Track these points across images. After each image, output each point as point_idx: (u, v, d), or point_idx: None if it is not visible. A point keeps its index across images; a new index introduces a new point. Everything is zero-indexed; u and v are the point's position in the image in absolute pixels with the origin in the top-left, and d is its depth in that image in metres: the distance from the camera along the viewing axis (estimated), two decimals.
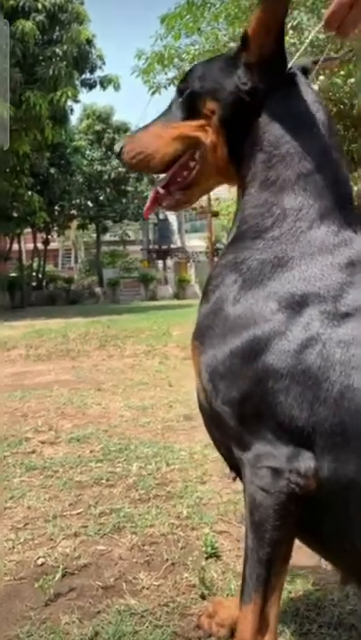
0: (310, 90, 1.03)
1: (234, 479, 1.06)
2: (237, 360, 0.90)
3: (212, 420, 1.01)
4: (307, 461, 0.85)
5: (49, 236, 23.51)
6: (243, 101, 1.00)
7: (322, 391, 0.83)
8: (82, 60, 14.72)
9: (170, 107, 1.13)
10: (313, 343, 0.85)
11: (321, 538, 0.95)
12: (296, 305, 0.88)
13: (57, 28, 13.83)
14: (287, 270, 0.91)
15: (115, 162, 23.34)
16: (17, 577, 1.53)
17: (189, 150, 1.08)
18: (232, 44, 6.59)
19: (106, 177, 23.70)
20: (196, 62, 1.20)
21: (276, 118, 0.99)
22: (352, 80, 6.93)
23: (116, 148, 1.15)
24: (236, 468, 1.01)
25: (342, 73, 6.77)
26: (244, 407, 0.89)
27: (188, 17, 7.96)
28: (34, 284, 22.58)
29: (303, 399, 0.84)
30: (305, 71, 1.06)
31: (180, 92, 1.10)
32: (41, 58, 13.43)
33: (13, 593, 1.46)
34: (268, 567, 0.89)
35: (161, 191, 1.14)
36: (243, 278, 0.95)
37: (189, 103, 1.07)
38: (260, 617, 0.90)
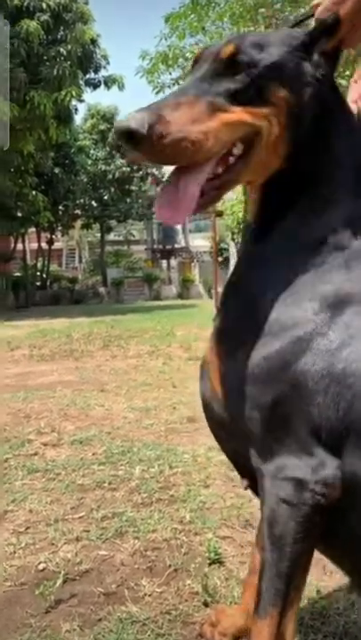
0: None
1: (246, 488, 1.03)
2: (276, 362, 0.86)
3: (226, 427, 0.98)
4: (333, 470, 0.82)
5: (53, 236, 23.50)
6: (316, 93, 0.91)
7: None
8: (86, 59, 14.69)
9: (204, 79, 0.88)
10: (353, 341, 0.84)
11: (337, 543, 0.92)
12: (339, 304, 0.87)
13: (61, 27, 13.81)
14: (332, 272, 0.90)
15: (119, 161, 23.34)
16: (17, 582, 1.52)
17: (239, 142, 0.89)
18: None
19: (110, 176, 23.66)
20: (247, 33, 1.00)
21: (338, 120, 0.95)
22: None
23: (133, 124, 0.78)
24: (247, 476, 0.98)
25: (347, 73, 6.74)
26: (275, 412, 0.86)
27: (192, 16, 7.97)
28: (38, 283, 22.57)
29: (341, 398, 0.82)
30: None
31: (234, 64, 0.87)
32: (45, 58, 13.42)
33: (14, 599, 1.45)
34: (287, 582, 0.85)
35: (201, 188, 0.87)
36: (285, 279, 0.91)
37: (255, 85, 0.86)
38: (276, 633, 0.86)
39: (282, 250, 0.94)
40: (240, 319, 0.95)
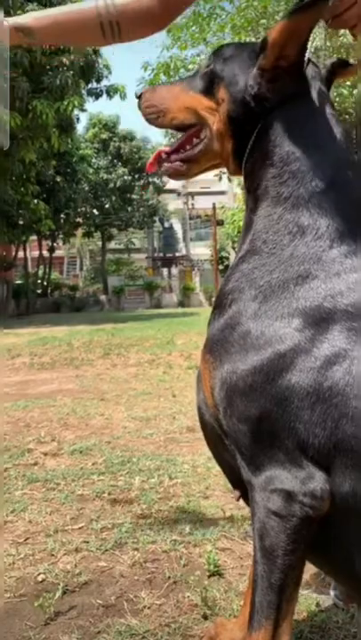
0: (328, 101, 1.00)
1: (238, 499, 1.04)
2: (260, 377, 0.87)
3: (220, 439, 0.98)
4: (321, 483, 0.82)
5: (54, 244, 23.63)
6: (246, 103, 0.98)
7: (350, 408, 0.82)
8: (88, 69, 14.79)
9: (197, 72, 1.12)
10: (340, 360, 0.83)
11: (330, 557, 0.92)
12: (322, 322, 0.86)
13: None
14: (312, 288, 0.89)
15: (120, 170, 23.50)
16: (17, 594, 1.52)
17: (198, 124, 1.08)
18: None
19: (111, 185, 23.81)
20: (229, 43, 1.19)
21: (288, 132, 0.96)
22: (357, 90, 6.95)
23: (137, 92, 1.18)
24: (240, 487, 0.99)
25: (348, 83, 6.79)
26: (262, 426, 0.87)
27: (194, 27, 8.03)
28: (39, 291, 22.65)
29: (328, 416, 0.82)
30: (331, 73, 1.04)
31: (208, 64, 1.09)
32: (48, 67, 13.52)
33: (13, 611, 1.44)
34: (279, 593, 0.85)
35: (163, 155, 1.15)
36: (264, 295, 0.92)
37: (208, 80, 1.06)
38: None
39: (262, 262, 0.95)
40: (225, 330, 0.95)
